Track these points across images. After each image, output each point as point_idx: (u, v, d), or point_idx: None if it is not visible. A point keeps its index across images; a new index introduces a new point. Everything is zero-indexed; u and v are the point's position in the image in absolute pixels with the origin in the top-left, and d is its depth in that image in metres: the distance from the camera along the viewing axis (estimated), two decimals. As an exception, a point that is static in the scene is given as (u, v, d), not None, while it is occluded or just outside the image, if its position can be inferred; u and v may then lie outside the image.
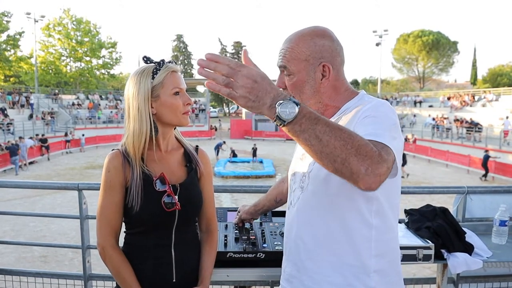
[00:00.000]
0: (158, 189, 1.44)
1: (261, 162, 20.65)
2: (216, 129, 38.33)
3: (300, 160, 1.44)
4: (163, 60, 1.47)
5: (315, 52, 1.29)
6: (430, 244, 1.90)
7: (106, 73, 47.40)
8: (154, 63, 1.47)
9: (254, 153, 20.97)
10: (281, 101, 0.96)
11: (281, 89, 0.97)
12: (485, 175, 17.54)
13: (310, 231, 1.34)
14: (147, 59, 1.48)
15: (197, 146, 1.66)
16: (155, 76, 1.43)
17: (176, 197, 1.46)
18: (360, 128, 1.12)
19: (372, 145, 1.00)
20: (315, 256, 1.32)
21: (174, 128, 1.58)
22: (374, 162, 0.98)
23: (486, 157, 17.62)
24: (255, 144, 21.67)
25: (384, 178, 1.01)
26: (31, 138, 21.29)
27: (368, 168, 0.97)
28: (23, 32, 37.82)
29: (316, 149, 0.98)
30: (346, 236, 1.27)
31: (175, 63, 1.50)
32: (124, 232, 1.53)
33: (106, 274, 2.52)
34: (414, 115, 31.58)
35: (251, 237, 1.84)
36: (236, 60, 0.98)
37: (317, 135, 0.97)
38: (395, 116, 1.23)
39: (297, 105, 0.96)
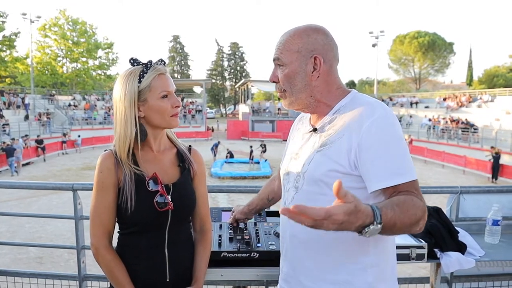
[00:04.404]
0: (151, 189, 1.43)
1: (257, 162, 20.63)
2: (213, 130, 38.31)
3: (293, 159, 1.43)
4: (150, 62, 1.44)
5: (307, 44, 1.32)
6: (423, 243, 1.91)
7: (103, 74, 47.29)
8: (142, 64, 1.44)
9: (251, 155, 20.83)
10: (367, 230, 1.01)
11: (362, 207, 0.99)
12: (494, 177, 17.32)
13: (306, 230, 1.33)
14: (134, 61, 1.45)
15: (190, 146, 1.65)
16: (141, 79, 1.41)
17: (169, 196, 1.45)
18: (387, 165, 1.20)
19: (420, 202, 1.16)
20: (312, 255, 1.32)
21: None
22: (424, 217, 1.16)
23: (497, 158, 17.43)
24: (251, 146, 21.57)
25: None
26: (21, 138, 21.13)
27: (422, 225, 1.16)
28: (19, 32, 37.61)
29: (393, 234, 1.16)
30: (344, 233, 1.27)
31: (164, 63, 1.48)
32: (118, 232, 1.53)
33: (101, 274, 2.52)
34: (410, 116, 31.65)
35: (245, 236, 1.84)
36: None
37: (394, 232, 1.12)
38: (397, 125, 1.25)
39: (380, 224, 1.02)
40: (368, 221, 1.00)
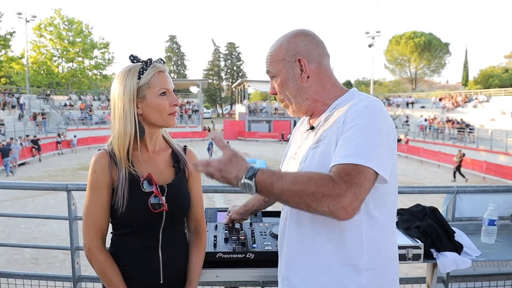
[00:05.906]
0: (145, 189, 1.42)
1: (254, 162, 20.63)
2: (209, 130, 38.28)
3: (293, 159, 1.44)
4: (150, 59, 1.45)
5: (289, 49, 1.36)
6: (420, 243, 1.90)
7: (99, 73, 47.16)
8: (141, 62, 1.44)
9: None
10: (240, 182, 1.14)
11: (239, 160, 1.17)
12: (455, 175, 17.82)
13: (301, 230, 1.33)
14: (134, 58, 1.45)
15: (185, 146, 1.64)
16: (141, 76, 1.41)
17: (164, 198, 1.44)
18: (340, 148, 1.18)
19: (329, 180, 1.10)
20: (307, 256, 1.31)
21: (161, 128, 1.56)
22: (333, 199, 1.08)
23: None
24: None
25: (356, 205, 1.09)
26: (19, 138, 21.00)
27: (330, 206, 1.08)
28: (14, 32, 37.52)
29: (285, 203, 1.20)
30: (337, 235, 1.26)
31: (163, 62, 1.48)
32: (111, 233, 1.51)
33: (95, 275, 2.49)
34: (407, 116, 31.75)
35: (240, 237, 1.83)
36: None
37: (277, 197, 1.15)
38: (379, 120, 1.21)
39: (250, 180, 1.13)
40: (241, 174, 1.14)
